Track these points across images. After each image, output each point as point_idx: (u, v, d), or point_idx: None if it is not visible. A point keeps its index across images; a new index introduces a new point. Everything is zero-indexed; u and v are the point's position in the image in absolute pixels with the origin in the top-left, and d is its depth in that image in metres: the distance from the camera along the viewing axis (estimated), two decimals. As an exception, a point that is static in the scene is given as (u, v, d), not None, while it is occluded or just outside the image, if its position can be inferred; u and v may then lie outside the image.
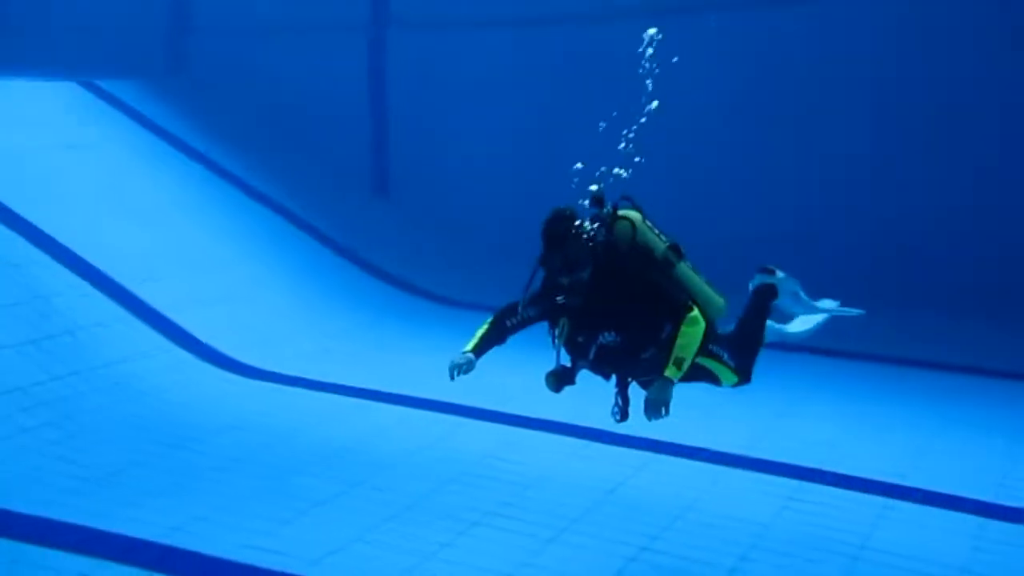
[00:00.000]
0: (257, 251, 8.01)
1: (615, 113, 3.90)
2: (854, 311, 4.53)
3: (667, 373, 3.43)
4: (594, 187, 3.64)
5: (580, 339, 3.57)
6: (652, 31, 3.91)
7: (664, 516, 4.31)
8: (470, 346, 3.63)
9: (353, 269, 8.53)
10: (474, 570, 3.77)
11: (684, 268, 3.71)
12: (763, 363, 3.98)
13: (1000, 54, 7.87)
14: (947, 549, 4.07)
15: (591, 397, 3.96)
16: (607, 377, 3.71)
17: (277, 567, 3.73)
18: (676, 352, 3.44)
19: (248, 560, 3.77)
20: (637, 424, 3.73)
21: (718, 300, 3.80)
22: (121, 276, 6.60)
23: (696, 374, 3.67)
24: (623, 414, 3.72)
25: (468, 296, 8.08)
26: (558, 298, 3.50)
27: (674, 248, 3.70)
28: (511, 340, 3.70)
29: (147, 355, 6.01)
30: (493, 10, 9.48)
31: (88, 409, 5.25)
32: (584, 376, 3.69)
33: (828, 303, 4.54)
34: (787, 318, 4.43)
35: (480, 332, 3.67)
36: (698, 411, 4.65)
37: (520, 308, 3.61)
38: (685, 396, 4.09)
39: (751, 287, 4.22)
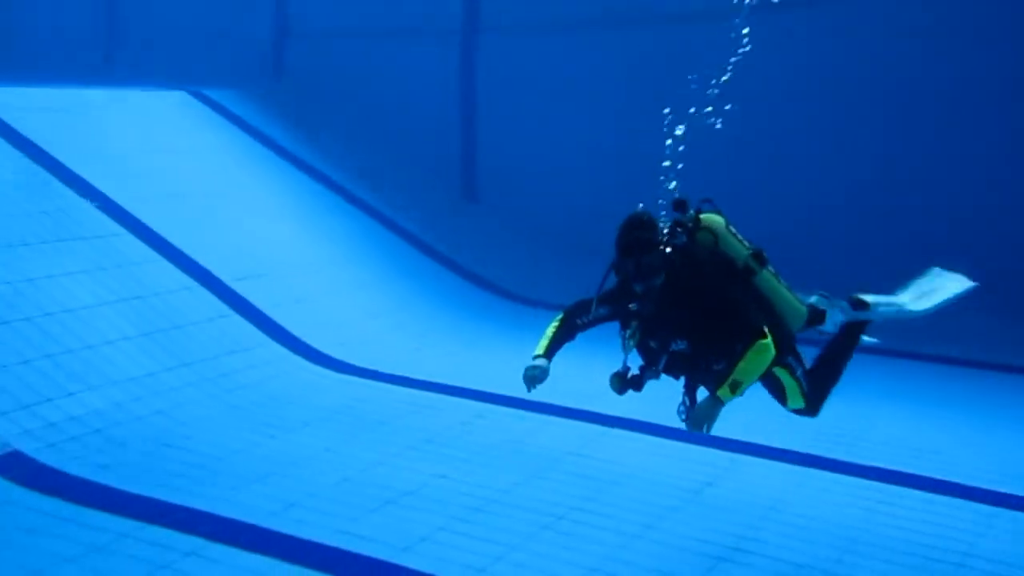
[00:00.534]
0: (350, 252, 8.28)
1: (692, 109, 3.89)
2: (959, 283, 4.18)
3: (719, 393, 3.37)
4: (672, 183, 3.61)
5: (652, 344, 3.54)
6: (745, 30, 3.89)
7: (752, 516, 4.26)
8: (541, 348, 3.61)
9: (441, 270, 8.72)
10: (559, 562, 3.82)
11: (766, 276, 3.60)
12: (848, 366, 3.90)
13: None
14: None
15: (675, 397, 3.96)
16: (676, 377, 3.68)
17: (369, 552, 3.87)
18: (735, 374, 3.37)
19: (341, 545, 3.93)
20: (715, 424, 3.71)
21: (800, 308, 3.69)
22: (225, 274, 6.95)
23: (766, 382, 3.61)
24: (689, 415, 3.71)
25: (555, 298, 8.14)
26: (631, 305, 3.46)
27: (757, 255, 3.58)
28: (595, 339, 3.72)
29: (248, 350, 6.31)
30: (578, 12, 9.53)
31: (193, 399, 5.56)
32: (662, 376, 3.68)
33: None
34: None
35: (550, 331, 3.65)
36: (783, 412, 4.58)
37: (593, 307, 3.57)
38: (770, 397, 4.06)
39: (838, 321, 4.05)
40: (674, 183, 3.64)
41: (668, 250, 3.42)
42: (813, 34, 8.36)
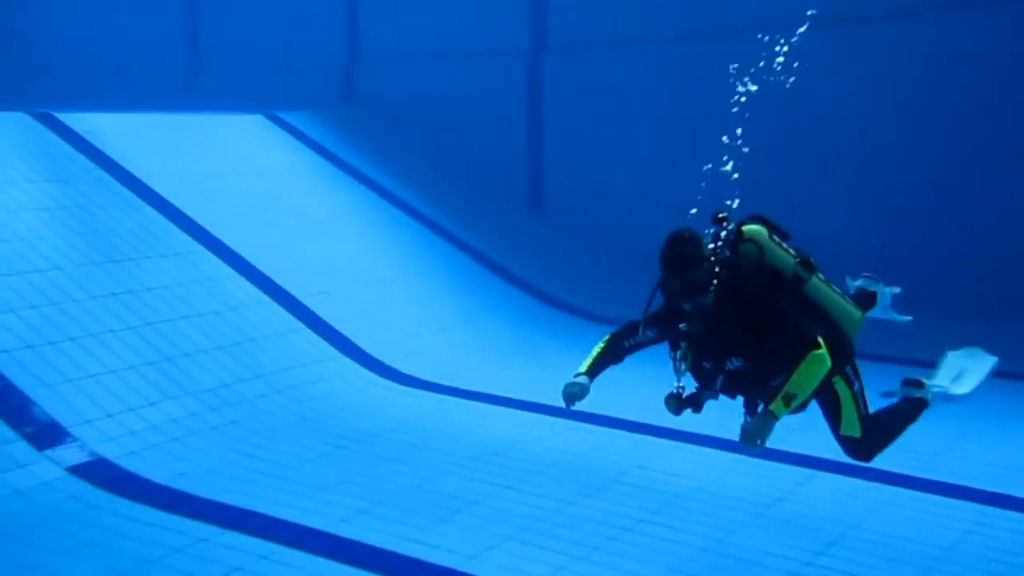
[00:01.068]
0: (418, 268, 8.40)
1: (744, 121, 3.83)
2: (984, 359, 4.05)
3: (772, 407, 3.22)
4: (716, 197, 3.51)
5: (706, 365, 3.41)
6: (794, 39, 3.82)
7: (828, 533, 4.16)
8: (584, 367, 3.53)
9: (506, 286, 8.77)
10: (624, 573, 3.79)
11: (816, 283, 3.46)
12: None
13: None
14: None
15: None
16: (732, 397, 3.54)
17: (437, 560, 3.91)
18: (788, 387, 3.22)
19: (410, 553, 3.98)
20: (786, 440, 3.62)
21: (854, 314, 3.54)
22: (296, 290, 7.14)
23: (823, 396, 3.47)
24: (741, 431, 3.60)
25: (622, 313, 8.09)
26: (680, 325, 3.35)
27: (804, 263, 3.44)
28: (663, 355, 3.62)
29: (318, 362, 6.45)
30: (642, 29, 9.54)
31: (266, 410, 5.70)
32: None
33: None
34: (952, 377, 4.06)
35: (596, 351, 3.57)
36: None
37: (641, 330, 3.47)
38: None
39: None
40: (736, 200, 3.54)
41: (715, 266, 3.30)
42: (874, 48, 8.22)
